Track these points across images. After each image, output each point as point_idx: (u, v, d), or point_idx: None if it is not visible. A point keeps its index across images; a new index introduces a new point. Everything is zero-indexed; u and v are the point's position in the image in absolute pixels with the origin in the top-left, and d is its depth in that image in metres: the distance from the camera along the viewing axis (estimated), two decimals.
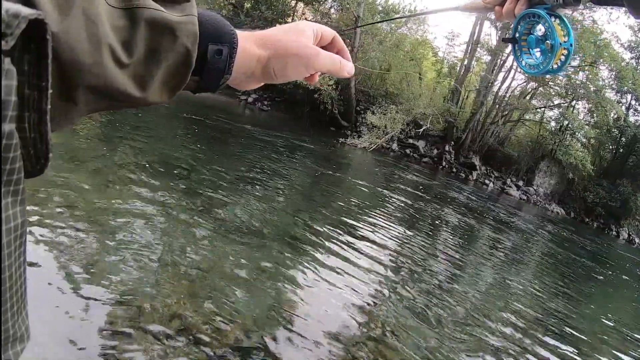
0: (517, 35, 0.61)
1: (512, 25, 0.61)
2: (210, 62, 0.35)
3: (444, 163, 16.78)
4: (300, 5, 16.91)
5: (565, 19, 0.55)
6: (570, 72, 19.95)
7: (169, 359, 1.87)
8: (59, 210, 2.87)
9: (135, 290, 2.25)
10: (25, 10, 0.18)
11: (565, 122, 19.73)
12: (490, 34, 19.59)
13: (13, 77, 0.18)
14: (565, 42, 0.55)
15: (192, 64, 0.33)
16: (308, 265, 3.23)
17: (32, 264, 2.20)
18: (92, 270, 2.31)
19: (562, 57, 0.56)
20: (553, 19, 0.55)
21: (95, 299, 2.09)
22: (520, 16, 0.59)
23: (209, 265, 2.74)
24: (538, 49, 0.59)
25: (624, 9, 0.53)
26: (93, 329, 1.90)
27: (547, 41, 0.56)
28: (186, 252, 2.82)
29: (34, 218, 2.65)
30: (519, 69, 20.06)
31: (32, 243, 2.38)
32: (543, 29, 0.57)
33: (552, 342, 3.44)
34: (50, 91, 0.21)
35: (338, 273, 3.26)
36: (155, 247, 2.76)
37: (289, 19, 17.35)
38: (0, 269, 0.19)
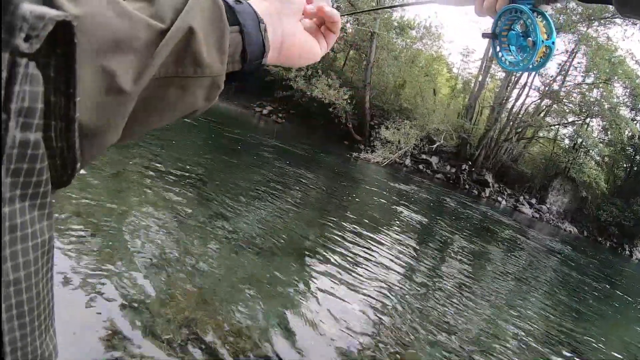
0: (497, 30, 0.58)
1: (493, 20, 0.59)
2: (237, 9, 0.33)
3: (456, 179, 16.67)
4: None
5: (548, 17, 0.54)
6: (584, 90, 19.84)
7: None
8: (73, 213, 2.91)
9: (145, 296, 2.27)
10: (52, 12, 0.17)
11: (579, 140, 19.55)
12: None
13: (39, 82, 0.18)
14: (547, 40, 0.54)
15: (221, 5, 0.31)
16: (319, 278, 3.22)
17: None
18: (103, 274, 2.34)
19: (543, 55, 0.55)
20: (535, 16, 0.53)
21: (105, 304, 2.11)
22: (501, 11, 0.56)
23: (220, 275, 2.75)
24: (518, 46, 0.57)
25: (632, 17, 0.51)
26: (102, 333, 1.92)
27: (529, 38, 0.54)
28: (198, 260, 2.83)
29: None
30: (533, 86, 20.01)
31: None
32: (525, 26, 0.55)
33: None
34: (78, 98, 0.20)
35: (349, 287, 3.25)
36: (167, 254, 2.77)
37: None
38: (22, 289, 0.18)
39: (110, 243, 2.68)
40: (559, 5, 0.55)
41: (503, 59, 0.59)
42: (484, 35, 0.61)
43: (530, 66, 0.55)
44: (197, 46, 0.28)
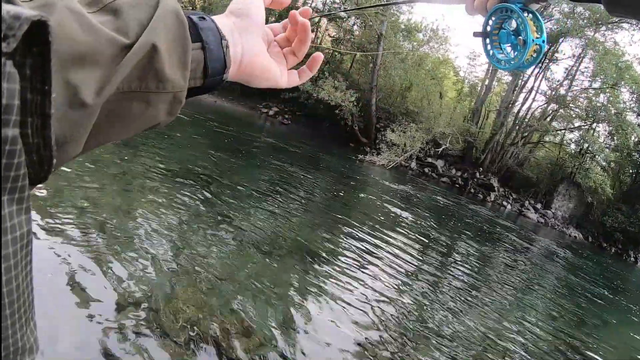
0: (488, 29, 0.59)
1: (484, 19, 0.60)
2: (200, 26, 0.34)
3: (462, 183, 16.60)
4: (324, 21, 17.08)
5: (538, 15, 0.54)
6: (591, 95, 19.74)
7: None
8: (78, 212, 2.92)
9: (150, 294, 2.27)
10: (27, 12, 0.18)
11: (586, 145, 19.44)
12: None
13: (15, 80, 0.18)
14: (537, 38, 0.54)
15: (184, 22, 0.32)
16: (323, 280, 3.22)
17: (49, 266, 2.24)
18: (108, 273, 2.34)
19: (534, 54, 0.55)
20: (526, 14, 0.54)
21: (110, 301, 2.12)
22: (492, 10, 0.57)
23: (225, 275, 2.74)
24: (509, 44, 0.58)
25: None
26: (105, 331, 1.92)
27: (520, 37, 0.55)
28: (203, 260, 2.83)
29: (54, 220, 2.69)
30: (540, 90, 19.92)
31: (50, 245, 2.42)
32: (515, 24, 0.56)
33: None
34: (53, 95, 0.20)
35: (353, 289, 3.24)
36: (173, 254, 2.78)
37: (313, 34, 17.57)
38: (2, 281, 0.19)
39: (115, 241, 2.69)
40: (549, 3, 0.56)
41: (494, 57, 0.60)
42: (475, 34, 0.61)
43: (521, 64, 0.56)
44: (160, 62, 0.29)
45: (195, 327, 2.13)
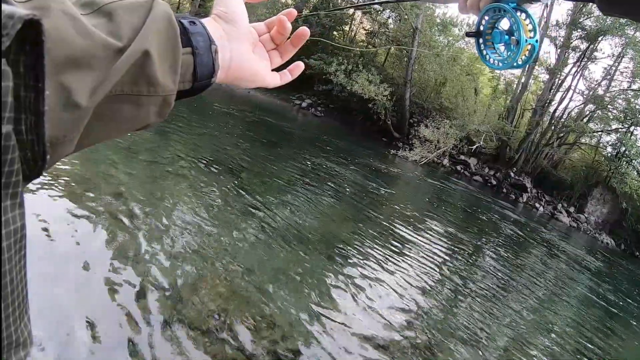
0: (481, 29, 0.58)
1: (477, 19, 0.58)
2: (191, 31, 0.35)
3: (494, 183, 16.20)
4: (358, 13, 16.91)
5: (531, 15, 0.53)
6: (630, 96, 18.94)
7: (202, 352, 1.86)
8: (109, 198, 2.93)
9: (176, 283, 2.26)
10: (21, 11, 0.18)
11: (622, 149, 18.69)
12: (550, 52, 18.94)
13: (9, 78, 0.18)
14: (531, 37, 0.53)
15: (176, 28, 0.33)
16: (350, 275, 3.17)
17: (77, 250, 2.26)
18: (135, 260, 2.34)
19: (527, 53, 0.54)
20: (519, 14, 0.53)
21: (136, 288, 2.11)
22: (485, 10, 0.56)
23: (252, 266, 2.72)
24: (502, 44, 0.57)
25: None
26: (131, 318, 1.92)
27: (513, 37, 0.54)
28: (230, 250, 2.82)
29: (84, 206, 2.70)
30: (577, 90, 19.25)
31: (79, 229, 2.45)
32: (508, 24, 0.55)
33: None
34: (47, 92, 0.21)
35: (379, 285, 3.19)
36: (200, 243, 2.76)
37: (347, 27, 17.37)
38: (0, 274, 0.19)
39: (143, 228, 2.69)
40: (541, 3, 0.54)
41: (487, 57, 0.59)
42: (468, 34, 0.61)
43: (515, 64, 0.55)
44: (152, 67, 0.30)
45: (220, 317, 2.11)
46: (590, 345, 3.99)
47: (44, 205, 2.62)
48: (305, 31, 0.46)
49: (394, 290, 3.21)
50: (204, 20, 0.39)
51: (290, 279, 2.75)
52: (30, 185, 2.82)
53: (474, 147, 15.53)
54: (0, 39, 0.17)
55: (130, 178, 3.41)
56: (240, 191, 4.06)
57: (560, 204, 17.61)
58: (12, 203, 0.20)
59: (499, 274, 5.14)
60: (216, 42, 0.37)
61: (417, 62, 15.51)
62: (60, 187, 2.91)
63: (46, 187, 2.85)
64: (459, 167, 15.87)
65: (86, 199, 2.82)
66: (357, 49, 16.04)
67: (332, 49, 15.08)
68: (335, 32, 16.93)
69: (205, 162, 4.58)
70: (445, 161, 15.56)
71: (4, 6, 0.18)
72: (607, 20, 17.58)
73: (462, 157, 15.92)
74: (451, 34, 16.61)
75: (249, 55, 0.42)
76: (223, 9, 0.40)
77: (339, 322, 2.48)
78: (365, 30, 17.23)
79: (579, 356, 3.59)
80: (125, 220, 2.70)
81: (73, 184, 2.98)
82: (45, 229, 2.37)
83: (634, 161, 18.66)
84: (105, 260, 2.25)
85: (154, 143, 4.66)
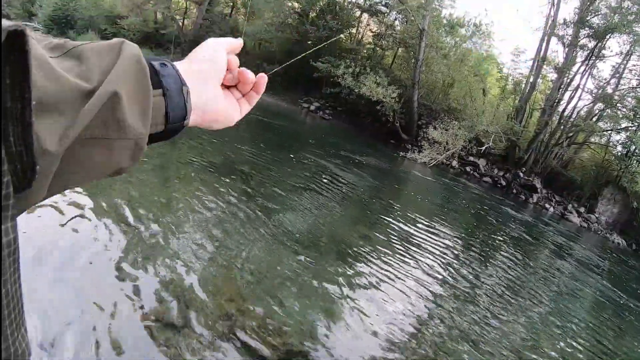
0: None
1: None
2: (161, 73, 0.35)
3: (504, 183, 16.10)
4: (365, 15, 16.90)
5: None
6: (639, 94, 18.73)
7: (213, 357, 1.86)
8: (119, 202, 2.96)
9: (187, 286, 2.28)
10: (4, 22, 0.18)
11: (633, 147, 18.49)
12: (557, 51, 18.79)
13: None
14: None
15: (146, 69, 0.32)
16: (360, 279, 3.16)
17: (90, 256, 2.28)
18: (146, 265, 2.35)
19: None
20: None
21: (148, 293, 2.12)
22: None
23: (262, 270, 2.72)
24: None
25: None
26: (143, 322, 1.93)
27: None
28: (241, 254, 2.82)
29: (95, 212, 2.74)
30: (586, 89, 19.07)
31: (91, 235, 2.47)
32: None
33: None
34: (33, 102, 0.21)
35: (389, 289, 3.17)
36: (210, 247, 2.77)
37: (353, 30, 17.37)
38: None
39: (153, 233, 2.70)
40: None
41: None
42: None
43: None
44: (122, 110, 0.29)
45: (230, 322, 2.12)
46: (602, 347, 3.95)
47: (53, 212, 2.65)
48: (264, 77, 0.47)
49: (404, 293, 3.21)
50: (177, 63, 0.38)
51: (300, 283, 2.76)
52: None
53: (483, 148, 15.44)
54: None
55: (140, 183, 3.44)
56: (250, 196, 4.08)
57: (570, 204, 17.44)
58: (4, 216, 0.20)
59: (510, 275, 5.11)
60: (188, 84, 0.37)
61: (424, 64, 15.46)
62: (69, 196, 2.94)
63: (55, 196, 2.89)
64: (468, 169, 15.79)
65: (96, 205, 2.86)
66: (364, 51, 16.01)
67: (340, 52, 15.08)
68: (342, 35, 16.94)
69: (214, 167, 4.60)
70: (455, 162, 15.49)
71: None
72: (615, 17, 17.43)
73: (471, 158, 15.84)
74: (458, 35, 16.55)
75: (222, 98, 0.43)
76: (203, 54, 0.41)
77: (349, 327, 2.48)
78: (372, 32, 17.23)
79: (591, 358, 3.56)
80: (135, 225, 2.73)
81: (83, 193, 3.01)
82: (55, 237, 2.40)
83: None
84: (115, 266, 2.27)
85: (163, 148, 4.71)
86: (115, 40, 0.32)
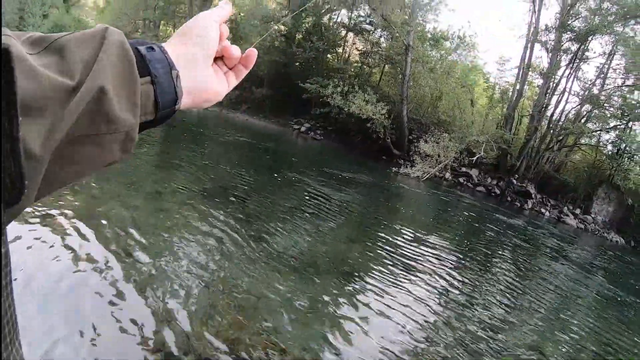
0: None
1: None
2: (148, 58, 0.33)
3: (498, 192, 16.21)
4: (351, 35, 17.14)
5: None
6: (625, 92, 19.00)
7: None
8: (115, 231, 2.98)
9: (186, 315, 2.28)
10: None
11: (623, 145, 18.70)
12: (542, 57, 19.08)
13: None
14: None
15: (131, 58, 0.31)
16: (360, 297, 3.17)
17: (89, 283, 2.29)
18: (145, 292, 2.36)
19: None
20: None
21: (148, 321, 2.12)
22: None
23: (262, 294, 2.73)
24: None
25: None
26: (143, 351, 1.92)
27: None
28: (239, 279, 2.83)
29: (93, 241, 2.76)
30: (572, 91, 19.32)
31: (89, 264, 2.48)
32: None
33: None
34: (20, 119, 0.21)
35: (391, 306, 3.18)
36: (209, 273, 2.79)
37: (340, 49, 17.60)
38: None
39: (151, 262, 2.72)
40: None
41: None
42: None
43: None
44: (109, 104, 0.28)
45: (231, 347, 2.12)
46: (607, 346, 3.97)
47: (49, 243, 2.66)
48: (253, 52, 0.46)
49: (404, 310, 3.22)
50: (165, 44, 0.37)
51: (300, 305, 2.77)
52: (37, 220, 2.91)
53: (475, 158, 15.58)
54: None
55: (136, 212, 3.48)
56: (245, 220, 4.12)
57: (565, 207, 17.55)
58: None
59: (511, 283, 5.14)
60: (177, 66, 0.36)
61: (412, 79, 15.67)
62: (65, 224, 2.97)
63: (51, 224, 2.92)
64: (461, 179, 15.91)
65: (93, 235, 2.88)
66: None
67: (328, 72, 15.26)
68: (329, 55, 17.16)
69: (208, 193, 4.65)
70: (448, 174, 15.60)
71: None
72: (596, 19, 17.78)
73: (464, 169, 15.96)
74: (443, 48, 16.81)
75: (213, 79, 0.41)
76: (193, 30, 0.40)
77: (351, 347, 2.49)
78: (358, 50, 17.48)
79: (595, 355, 3.59)
80: (133, 254, 2.76)
81: (79, 220, 3.04)
82: (51, 267, 2.41)
83: (635, 156, 18.62)
84: (115, 296, 2.28)
85: (156, 176, 4.79)
86: (98, 27, 0.31)
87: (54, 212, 3.09)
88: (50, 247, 2.61)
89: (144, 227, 3.20)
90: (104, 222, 3.11)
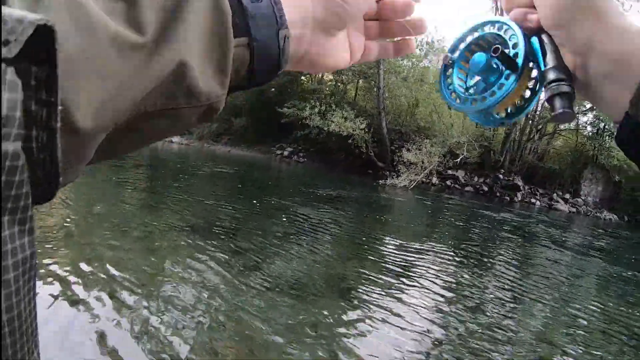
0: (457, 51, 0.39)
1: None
2: (250, 12, 0.26)
3: (486, 189, 16.39)
4: None
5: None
6: None
7: None
8: (107, 276, 2.97)
9: (189, 354, 2.26)
10: (31, 15, 0.16)
11: (602, 125, 19.05)
12: None
13: (17, 89, 0.16)
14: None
15: (226, 11, 0.25)
16: (360, 315, 3.17)
17: (81, 330, 2.29)
18: (141, 336, 2.35)
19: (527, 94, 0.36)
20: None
21: None
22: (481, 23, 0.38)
23: (262, 324, 2.73)
24: (484, 73, 0.37)
25: None
26: None
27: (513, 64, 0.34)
28: (238, 311, 2.83)
29: (83, 286, 2.76)
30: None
31: (81, 310, 2.47)
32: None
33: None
34: (60, 107, 0.18)
35: (392, 321, 3.17)
36: (206, 310, 2.79)
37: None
38: (2, 309, 0.17)
39: (146, 305, 2.72)
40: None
41: (451, 89, 0.40)
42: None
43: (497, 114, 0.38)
44: (191, 77, 0.24)
45: None
46: (616, 324, 3.97)
47: (37, 288, 2.66)
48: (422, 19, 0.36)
49: (407, 323, 3.20)
50: None
51: (302, 330, 2.77)
52: None
53: (459, 159, 15.77)
54: (6, 45, 0.15)
55: (125, 255, 3.48)
56: (237, 251, 4.12)
57: (555, 194, 17.78)
58: (19, 230, 0.18)
59: (511, 278, 5.13)
60: (292, 25, 0.28)
61: (386, 90, 15.90)
62: (54, 270, 2.96)
63: (39, 270, 2.92)
64: (448, 182, 16.07)
65: (82, 280, 2.86)
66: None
67: (303, 94, 15.44)
68: (303, 77, 17.39)
69: (196, 229, 4.66)
70: (434, 179, 15.76)
71: (11, 9, 0.15)
72: None
73: (450, 171, 16.14)
74: (413, 56, 17.11)
75: (337, 48, 0.33)
76: None
77: None
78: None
79: (608, 335, 3.62)
80: (126, 299, 2.74)
81: (67, 266, 3.02)
82: (39, 312, 2.40)
83: (615, 133, 18.97)
84: (112, 342, 2.26)
85: (142, 217, 4.78)
86: None
87: (42, 259, 3.10)
88: (37, 292, 2.61)
89: (134, 270, 3.21)
90: (93, 270, 3.11)
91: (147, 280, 3.08)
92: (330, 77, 17.52)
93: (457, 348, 2.93)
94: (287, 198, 8.27)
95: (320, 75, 17.34)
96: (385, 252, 5.19)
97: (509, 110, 0.37)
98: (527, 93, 0.36)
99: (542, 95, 0.34)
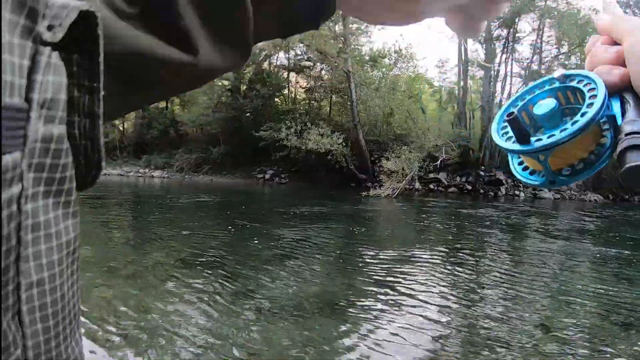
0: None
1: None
2: None
3: (470, 188, 16.56)
4: (293, 74, 17.59)
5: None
6: (563, 60, 20.01)
7: None
8: (96, 319, 2.96)
9: None
10: (75, 2, 0.16)
11: None
12: (477, 50, 19.97)
13: (62, 73, 0.17)
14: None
15: None
16: (361, 330, 3.15)
17: None
18: None
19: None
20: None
21: None
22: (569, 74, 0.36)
23: (260, 349, 2.73)
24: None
25: None
26: None
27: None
28: (235, 340, 2.83)
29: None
30: (513, 74, 20.12)
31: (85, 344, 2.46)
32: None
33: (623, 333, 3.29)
34: (102, 93, 0.19)
35: (392, 332, 3.16)
36: (203, 342, 2.78)
37: (285, 91, 18.02)
38: (46, 291, 0.17)
39: (141, 344, 2.71)
40: None
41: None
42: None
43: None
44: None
45: None
46: (616, 303, 3.98)
47: None
48: None
49: (403, 335, 3.17)
50: None
51: (302, 352, 2.75)
52: None
53: (438, 161, 15.96)
54: (51, 30, 0.15)
55: (115, 294, 3.45)
56: (228, 280, 4.10)
57: None
58: (64, 212, 0.18)
59: (505, 273, 5.10)
60: None
61: (359, 103, 16.10)
62: None
63: None
64: (432, 186, 16.22)
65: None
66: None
67: (278, 115, 15.55)
68: (276, 99, 17.54)
69: (185, 262, 4.64)
70: (417, 184, 15.89)
71: None
72: (518, 1, 18.84)
73: (432, 175, 16.30)
74: (383, 65, 17.43)
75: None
76: None
77: None
78: (303, 88, 17.94)
79: (607, 315, 3.64)
80: (119, 341, 2.72)
81: None
82: None
83: None
84: None
85: (131, 256, 4.75)
86: None
87: None
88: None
89: (126, 310, 3.19)
90: (86, 312, 3.09)
91: (140, 320, 3.07)
92: (303, 95, 17.71)
93: (457, 348, 2.96)
94: (274, 221, 8.26)
95: (293, 95, 17.53)
96: (374, 266, 5.16)
97: (576, 167, 0.33)
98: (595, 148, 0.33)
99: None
